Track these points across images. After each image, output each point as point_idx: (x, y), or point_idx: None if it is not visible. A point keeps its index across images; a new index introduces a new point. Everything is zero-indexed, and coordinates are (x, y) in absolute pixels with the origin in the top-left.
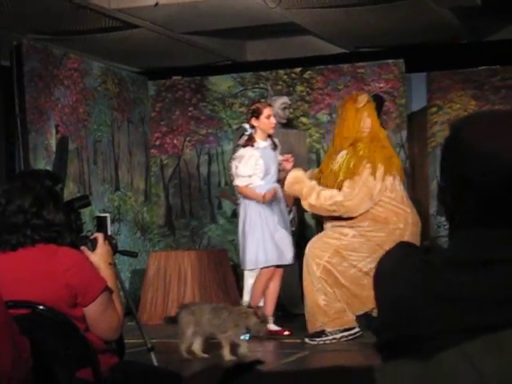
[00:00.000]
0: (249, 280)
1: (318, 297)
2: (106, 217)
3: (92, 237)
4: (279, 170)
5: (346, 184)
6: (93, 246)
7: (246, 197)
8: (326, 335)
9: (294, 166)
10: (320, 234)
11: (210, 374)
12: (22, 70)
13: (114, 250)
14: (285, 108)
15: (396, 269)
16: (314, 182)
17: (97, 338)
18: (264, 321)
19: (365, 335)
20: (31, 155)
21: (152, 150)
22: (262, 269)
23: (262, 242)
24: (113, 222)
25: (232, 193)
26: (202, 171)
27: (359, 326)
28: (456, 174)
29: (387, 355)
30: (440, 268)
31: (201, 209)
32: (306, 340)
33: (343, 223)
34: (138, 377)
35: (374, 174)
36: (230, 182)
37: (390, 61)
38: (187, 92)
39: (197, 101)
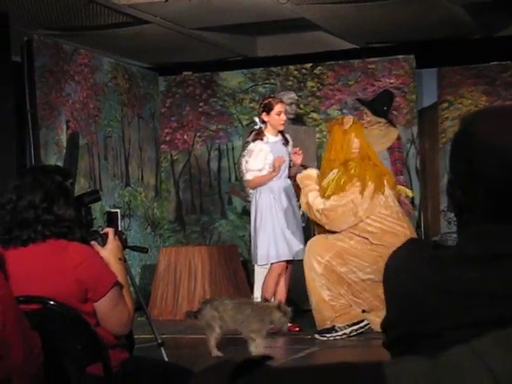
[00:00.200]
0: (259, 275)
1: (322, 292)
2: (116, 212)
3: (102, 232)
4: (290, 167)
5: (333, 197)
6: (103, 240)
7: (259, 186)
8: (336, 331)
9: (304, 161)
10: (324, 234)
11: (221, 370)
12: (33, 65)
13: (124, 245)
14: (291, 103)
15: (405, 264)
16: (317, 186)
17: (107, 333)
18: (287, 315)
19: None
20: (42, 151)
21: (162, 146)
22: (272, 264)
23: (273, 237)
24: (123, 217)
25: (241, 189)
26: (213, 167)
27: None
28: (466, 168)
29: (396, 353)
30: (449, 263)
31: (211, 204)
32: (316, 336)
33: (351, 229)
34: (148, 372)
35: (362, 192)
36: (240, 178)
37: (401, 56)
38: (197, 88)
39: (207, 96)
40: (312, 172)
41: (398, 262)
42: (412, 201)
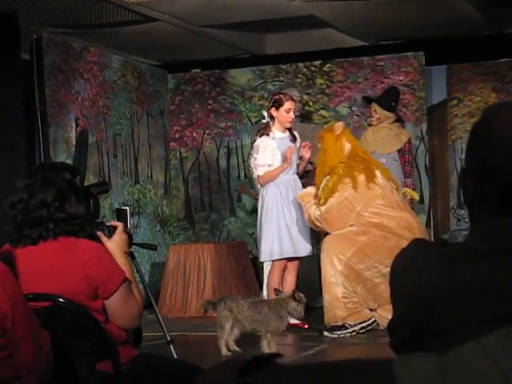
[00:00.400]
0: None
1: (337, 290)
2: (125, 210)
3: (109, 224)
4: (297, 164)
5: (329, 201)
6: (109, 232)
7: (271, 180)
8: (346, 328)
9: (311, 157)
10: (343, 230)
11: (230, 367)
12: (42, 63)
13: (130, 241)
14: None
15: (412, 263)
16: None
17: (116, 330)
18: (302, 302)
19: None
20: (51, 149)
21: (171, 143)
22: (273, 261)
23: (278, 234)
24: (132, 215)
25: (251, 187)
26: (222, 164)
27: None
28: (480, 158)
29: (403, 353)
30: (457, 259)
31: (220, 202)
32: (326, 333)
33: (358, 224)
34: (157, 369)
35: (354, 186)
36: (250, 177)
37: (410, 53)
38: (206, 85)
39: (216, 94)
40: (310, 190)
41: (404, 262)
42: (422, 200)
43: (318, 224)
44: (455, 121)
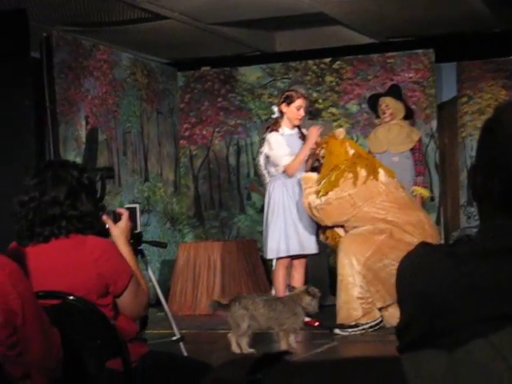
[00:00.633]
0: None
1: (354, 290)
2: (135, 207)
3: (116, 210)
4: (306, 161)
5: (330, 193)
6: (115, 218)
7: (299, 166)
8: (357, 326)
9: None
10: (358, 230)
11: (240, 364)
12: (52, 61)
13: (140, 239)
14: None
15: (419, 264)
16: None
17: (126, 326)
18: (316, 297)
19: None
20: (61, 147)
21: (181, 141)
22: (278, 259)
23: (284, 231)
24: (142, 212)
25: (260, 185)
26: (231, 162)
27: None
28: (489, 156)
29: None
30: (465, 258)
31: (230, 199)
32: (337, 331)
33: (376, 222)
34: (167, 367)
35: (355, 182)
36: (259, 175)
37: (420, 51)
38: (216, 83)
39: (226, 92)
40: (312, 175)
41: (412, 263)
42: (432, 199)
43: (315, 213)
44: (465, 118)
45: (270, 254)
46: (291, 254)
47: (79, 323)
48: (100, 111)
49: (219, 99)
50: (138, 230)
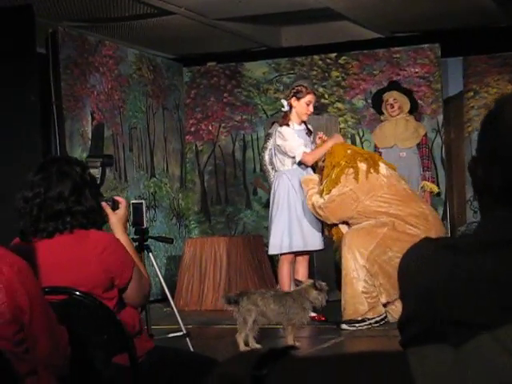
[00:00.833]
0: None
1: (359, 284)
2: (141, 203)
3: (114, 198)
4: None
5: (332, 191)
6: (114, 205)
7: (313, 160)
8: (364, 321)
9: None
10: (361, 224)
11: (246, 359)
12: (58, 57)
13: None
14: None
15: (421, 258)
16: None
17: (130, 320)
18: (323, 291)
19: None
20: (67, 142)
21: (187, 137)
22: (282, 255)
23: (288, 227)
24: (148, 208)
25: (265, 180)
26: (237, 157)
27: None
28: (490, 148)
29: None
30: (467, 251)
31: (236, 195)
32: (344, 326)
33: (379, 215)
34: (173, 362)
35: (356, 177)
36: (264, 169)
37: (426, 45)
38: (222, 78)
39: (232, 87)
40: (313, 176)
41: (413, 258)
42: (438, 194)
43: (320, 212)
44: (471, 113)
45: (273, 249)
46: (294, 250)
47: (85, 318)
48: (106, 107)
49: (225, 94)
50: (145, 225)
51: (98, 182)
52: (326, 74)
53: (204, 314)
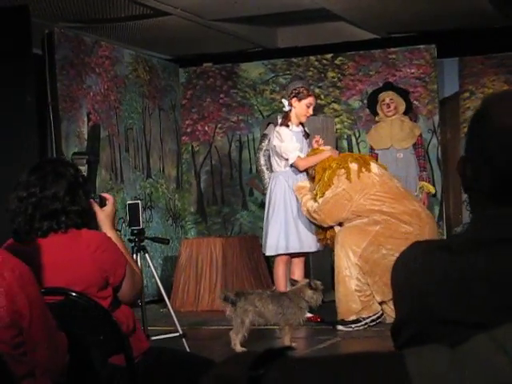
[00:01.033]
0: None
1: (351, 283)
2: (137, 204)
3: (101, 195)
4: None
5: (326, 193)
6: (101, 202)
7: (311, 164)
8: (360, 321)
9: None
10: (354, 222)
11: (241, 360)
12: (54, 58)
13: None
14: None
15: (413, 262)
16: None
17: (124, 319)
18: (318, 290)
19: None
20: (63, 143)
21: (183, 137)
22: (278, 256)
23: (285, 228)
24: (145, 209)
25: (259, 181)
26: (234, 158)
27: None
28: (477, 147)
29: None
30: (457, 250)
31: (232, 196)
32: (340, 327)
33: (372, 213)
34: (170, 363)
35: (348, 177)
36: (258, 170)
37: (422, 46)
38: (218, 79)
39: (228, 88)
40: (306, 183)
41: (405, 262)
42: (434, 194)
43: (315, 216)
44: (467, 113)
45: (269, 250)
46: (290, 251)
47: (81, 319)
48: (102, 108)
49: (221, 95)
50: (141, 226)
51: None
52: (322, 75)
53: (200, 314)
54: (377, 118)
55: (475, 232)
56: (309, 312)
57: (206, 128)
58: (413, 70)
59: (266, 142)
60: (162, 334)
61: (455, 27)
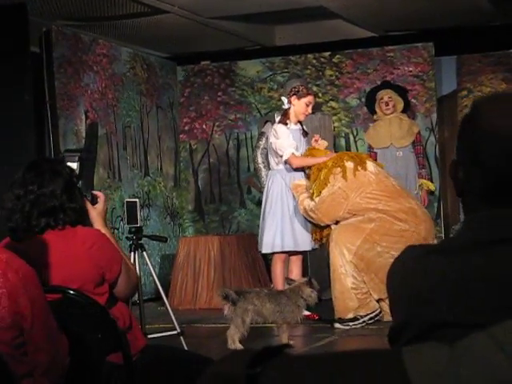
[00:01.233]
0: None
1: (347, 280)
2: (135, 202)
3: (93, 192)
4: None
5: (322, 192)
6: (93, 199)
7: (305, 164)
8: (357, 319)
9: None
10: (349, 220)
11: (240, 357)
12: (52, 56)
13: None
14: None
15: (408, 266)
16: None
17: (120, 316)
18: (315, 289)
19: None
20: (61, 141)
21: (181, 136)
22: (275, 254)
23: (281, 226)
24: (142, 207)
25: (257, 179)
26: (231, 156)
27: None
28: (468, 150)
29: None
30: (451, 252)
31: (230, 194)
32: (338, 325)
33: (361, 211)
34: (167, 361)
35: (344, 175)
36: (256, 168)
37: (420, 44)
38: (216, 77)
39: (225, 86)
40: (301, 182)
41: (400, 266)
42: (432, 192)
43: (312, 215)
44: (465, 111)
45: (265, 248)
46: (286, 249)
47: (79, 317)
48: (100, 106)
49: (219, 93)
50: (139, 224)
51: (77, 175)
52: (320, 73)
53: (198, 312)
54: (375, 117)
55: (469, 234)
56: (306, 310)
57: (204, 126)
58: (411, 68)
59: (264, 140)
60: (159, 332)
61: (453, 25)
